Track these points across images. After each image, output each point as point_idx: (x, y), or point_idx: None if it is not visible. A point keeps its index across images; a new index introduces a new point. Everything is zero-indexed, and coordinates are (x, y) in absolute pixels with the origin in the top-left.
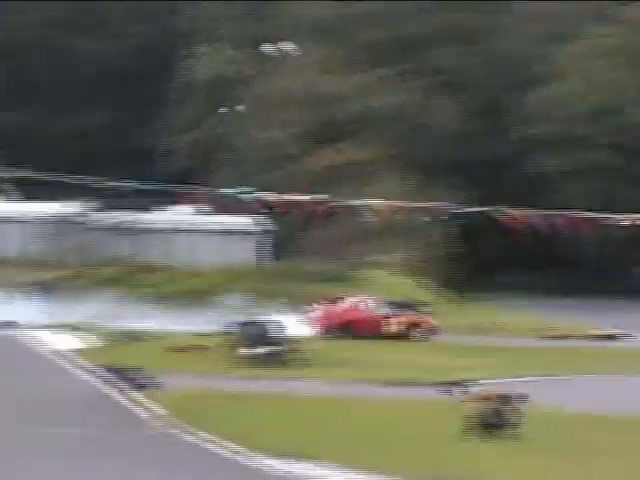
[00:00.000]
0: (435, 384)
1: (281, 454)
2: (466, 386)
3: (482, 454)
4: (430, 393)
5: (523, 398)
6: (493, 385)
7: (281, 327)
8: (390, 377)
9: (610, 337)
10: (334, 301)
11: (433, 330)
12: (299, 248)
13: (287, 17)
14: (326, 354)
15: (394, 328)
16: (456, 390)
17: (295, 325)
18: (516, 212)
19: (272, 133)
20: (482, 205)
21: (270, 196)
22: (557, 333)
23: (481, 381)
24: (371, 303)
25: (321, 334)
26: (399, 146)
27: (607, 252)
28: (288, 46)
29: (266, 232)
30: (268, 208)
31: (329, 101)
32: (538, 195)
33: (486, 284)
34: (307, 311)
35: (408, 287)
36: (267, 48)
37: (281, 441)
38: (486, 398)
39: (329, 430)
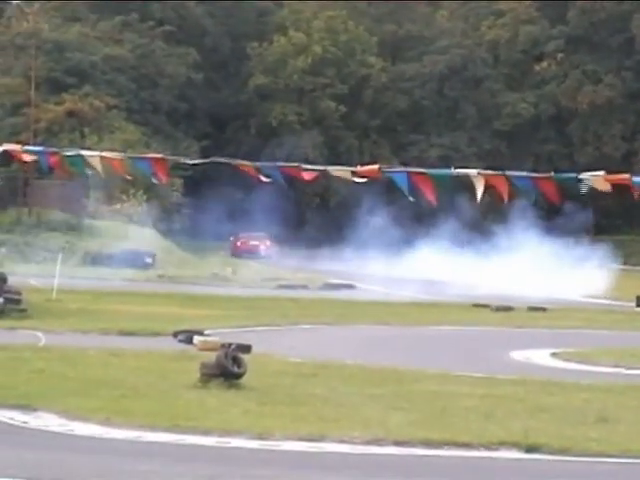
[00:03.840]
0: (167, 334)
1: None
2: (196, 336)
3: (210, 402)
4: (163, 342)
5: (248, 347)
6: (222, 335)
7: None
8: (123, 327)
9: (341, 287)
10: None
11: None
12: (34, 198)
13: None
14: (60, 304)
15: None
16: (186, 339)
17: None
18: (247, 163)
19: (4, 80)
20: (215, 155)
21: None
22: (291, 283)
23: (210, 331)
24: None
25: None
26: (132, 95)
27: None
28: None
29: None
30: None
31: (54, 50)
32: (273, 146)
33: (222, 234)
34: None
35: (144, 236)
36: None
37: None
38: (213, 348)
39: (52, 380)
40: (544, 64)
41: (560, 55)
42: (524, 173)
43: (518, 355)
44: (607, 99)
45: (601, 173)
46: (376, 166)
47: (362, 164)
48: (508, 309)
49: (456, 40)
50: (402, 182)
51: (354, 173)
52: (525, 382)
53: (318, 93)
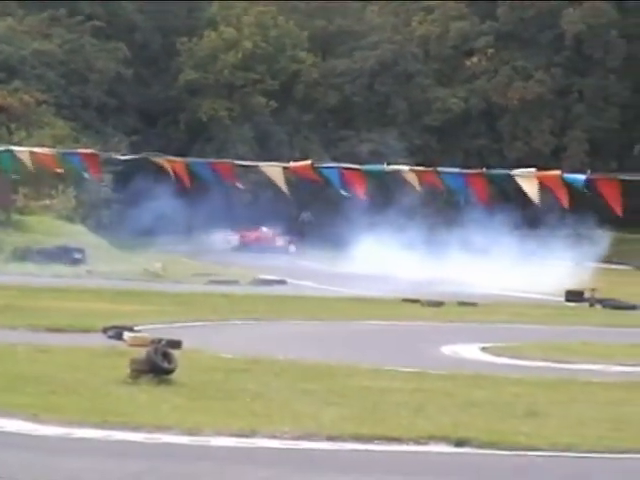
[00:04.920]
0: (97, 330)
1: None
2: (126, 332)
3: (140, 398)
4: (92, 339)
5: (178, 343)
6: (153, 331)
7: None
8: (52, 323)
9: (273, 282)
10: None
11: None
12: None
13: None
14: None
15: None
16: (116, 335)
17: None
18: (178, 159)
19: None
20: (143, 150)
21: None
22: (222, 278)
23: (141, 326)
24: None
25: None
26: (61, 90)
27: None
28: None
29: None
30: None
31: None
32: (203, 141)
33: (148, 230)
34: None
35: (73, 232)
36: None
37: None
38: (143, 343)
39: None
40: (474, 60)
41: (490, 51)
42: (456, 169)
43: (448, 350)
44: (537, 95)
45: (532, 170)
46: (309, 162)
47: (293, 160)
48: (439, 304)
49: (387, 35)
50: (334, 178)
51: (286, 169)
52: (455, 376)
53: (248, 89)
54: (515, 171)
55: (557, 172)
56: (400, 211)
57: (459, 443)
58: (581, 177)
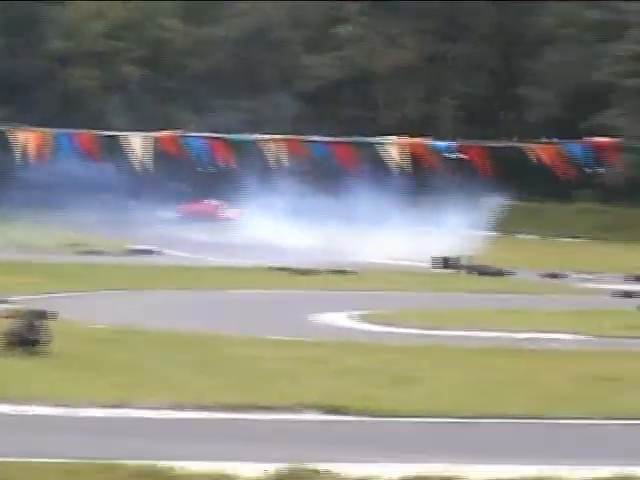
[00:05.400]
0: None
1: None
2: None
3: (11, 370)
4: None
5: (49, 314)
6: (24, 302)
7: None
8: None
9: (144, 252)
10: None
11: None
12: None
13: None
14: None
15: None
16: None
17: None
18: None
19: None
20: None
21: None
22: (91, 249)
23: (12, 298)
24: None
25: None
26: None
27: None
28: None
29: None
30: None
31: None
32: (77, 112)
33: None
34: None
35: None
36: None
37: None
38: (14, 315)
39: None
40: (346, 27)
41: (361, 18)
42: (324, 138)
43: (321, 318)
44: (407, 61)
45: (395, 138)
46: (175, 132)
47: (163, 129)
48: (310, 272)
49: (256, 3)
50: (199, 149)
51: (156, 139)
52: (327, 344)
53: (118, 57)
54: (383, 138)
55: (424, 139)
56: (283, 180)
57: (333, 411)
58: (447, 144)
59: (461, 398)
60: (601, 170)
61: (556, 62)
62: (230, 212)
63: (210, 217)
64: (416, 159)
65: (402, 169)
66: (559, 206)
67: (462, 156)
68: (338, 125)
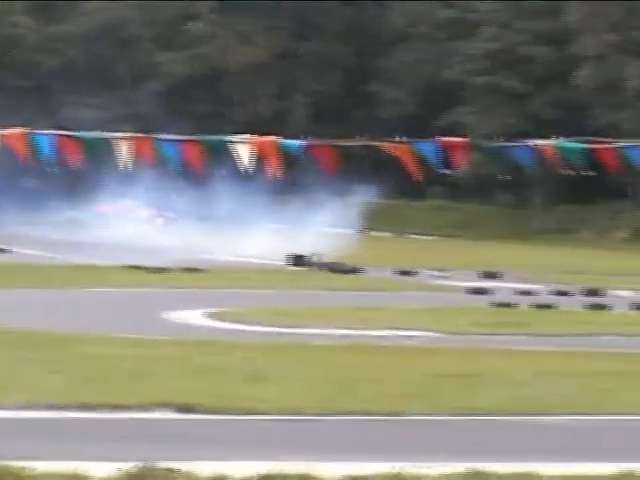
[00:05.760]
0: None
1: None
2: None
3: None
4: None
5: None
6: None
7: None
8: None
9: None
10: None
11: None
12: None
13: None
14: None
15: None
16: None
17: None
18: None
19: None
20: None
21: None
22: None
23: None
24: None
25: None
26: None
27: None
28: None
29: None
30: None
31: None
32: None
33: None
34: None
35: None
36: None
37: None
38: None
39: None
40: (197, 24)
41: (212, 15)
42: (175, 136)
43: (174, 316)
44: (259, 59)
45: (249, 136)
46: (24, 130)
47: (13, 126)
48: (163, 270)
49: (107, 0)
50: (46, 146)
51: (3, 136)
52: (181, 342)
53: None
54: (235, 137)
55: (273, 138)
56: (142, 178)
57: (185, 409)
58: (296, 142)
59: (315, 395)
60: (449, 171)
61: (408, 60)
62: (146, 213)
63: (126, 217)
64: (265, 157)
65: (250, 167)
66: (412, 204)
67: (309, 156)
68: (191, 122)
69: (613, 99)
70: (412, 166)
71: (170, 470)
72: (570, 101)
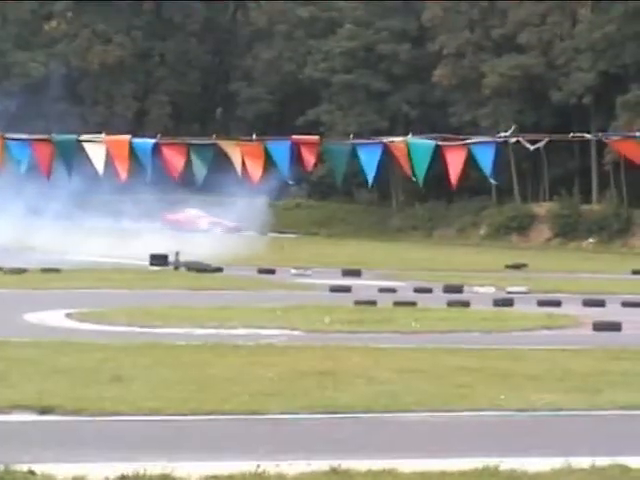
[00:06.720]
0: None
1: None
2: None
3: None
4: None
5: None
6: None
7: None
8: None
9: None
10: None
11: None
12: None
13: None
14: None
15: None
16: None
17: None
18: None
19: None
20: None
21: None
22: None
23: None
24: None
25: None
26: None
27: None
28: None
29: None
30: None
31: None
32: None
33: None
34: None
35: None
36: None
37: None
38: None
39: None
40: (53, 23)
41: (69, 14)
42: (22, 135)
43: (32, 317)
44: (117, 58)
45: (102, 135)
46: None
47: None
48: (20, 271)
49: None
50: None
51: None
52: (39, 344)
53: None
54: (83, 136)
55: (125, 137)
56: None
57: (43, 411)
58: (148, 142)
59: (174, 395)
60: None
61: (267, 58)
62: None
63: (185, 227)
64: (115, 157)
65: (100, 167)
66: (274, 202)
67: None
68: (46, 123)
69: (471, 96)
70: (260, 165)
71: (32, 472)
72: (430, 99)
